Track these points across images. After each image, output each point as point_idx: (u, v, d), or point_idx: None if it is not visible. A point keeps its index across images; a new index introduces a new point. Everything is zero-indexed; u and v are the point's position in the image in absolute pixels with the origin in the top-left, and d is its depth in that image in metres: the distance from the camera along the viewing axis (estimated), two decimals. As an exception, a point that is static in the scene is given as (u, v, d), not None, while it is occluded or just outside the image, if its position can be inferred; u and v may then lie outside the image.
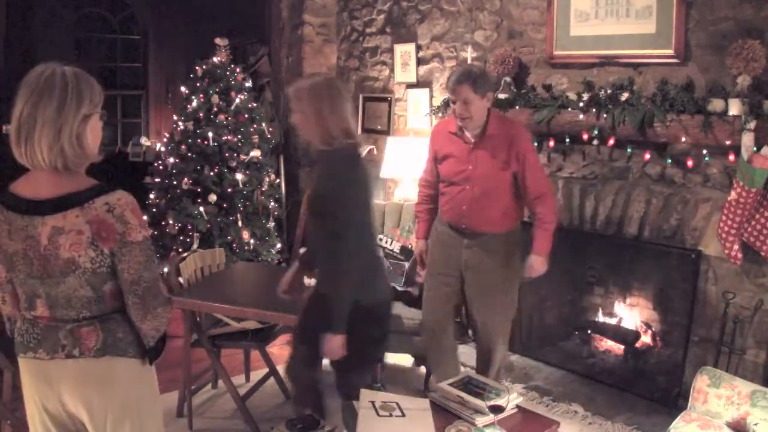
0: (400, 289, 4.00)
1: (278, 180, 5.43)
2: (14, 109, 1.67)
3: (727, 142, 3.15)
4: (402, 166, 4.60)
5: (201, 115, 4.82)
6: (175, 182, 4.74)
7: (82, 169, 1.76)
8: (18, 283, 1.78)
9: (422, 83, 4.96)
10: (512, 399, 2.59)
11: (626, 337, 4.10)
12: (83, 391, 1.77)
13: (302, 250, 4.89)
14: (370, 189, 2.61)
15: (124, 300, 1.78)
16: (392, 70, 5.22)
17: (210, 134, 4.76)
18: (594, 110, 3.59)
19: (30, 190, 1.72)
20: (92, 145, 1.75)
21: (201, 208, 4.66)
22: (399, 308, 3.83)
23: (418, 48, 4.96)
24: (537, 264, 3.17)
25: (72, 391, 1.77)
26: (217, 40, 5.01)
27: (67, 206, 1.68)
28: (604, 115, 3.54)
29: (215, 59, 4.97)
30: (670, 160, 3.48)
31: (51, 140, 1.65)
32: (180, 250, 4.51)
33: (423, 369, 3.91)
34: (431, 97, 4.87)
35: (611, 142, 3.63)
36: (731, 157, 3.20)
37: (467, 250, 3.19)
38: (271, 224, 5.10)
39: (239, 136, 4.86)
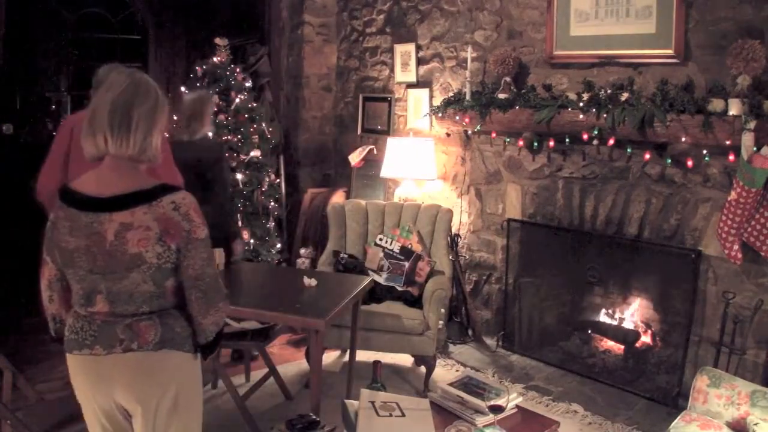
0: (400, 288, 4.00)
1: (278, 180, 5.42)
2: (100, 96, 1.77)
3: (727, 142, 3.15)
4: (402, 166, 4.60)
5: (201, 115, 4.81)
6: (175, 182, 4.73)
7: (145, 168, 1.86)
8: (76, 279, 1.80)
9: (422, 83, 4.96)
10: (512, 399, 2.59)
11: (626, 337, 4.10)
12: (138, 383, 1.81)
13: (302, 250, 4.89)
14: None
15: (186, 295, 1.83)
16: (392, 70, 5.22)
17: (210, 134, 4.75)
18: (594, 110, 3.59)
19: (95, 187, 1.77)
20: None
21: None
22: (399, 308, 3.83)
23: (418, 48, 4.96)
24: None
25: (127, 384, 1.80)
26: (217, 40, 5.00)
27: (136, 203, 1.74)
28: (604, 115, 3.54)
29: (215, 59, 4.96)
30: (670, 160, 3.48)
31: (146, 133, 1.78)
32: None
33: (423, 369, 3.91)
34: (431, 97, 4.87)
35: (611, 142, 3.63)
36: (731, 157, 3.21)
37: None
38: (271, 224, 5.10)
39: (239, 136, 4.86)
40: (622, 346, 4.13)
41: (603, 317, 4.27)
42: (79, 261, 1.76)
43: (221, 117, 4.82)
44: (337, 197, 5.25)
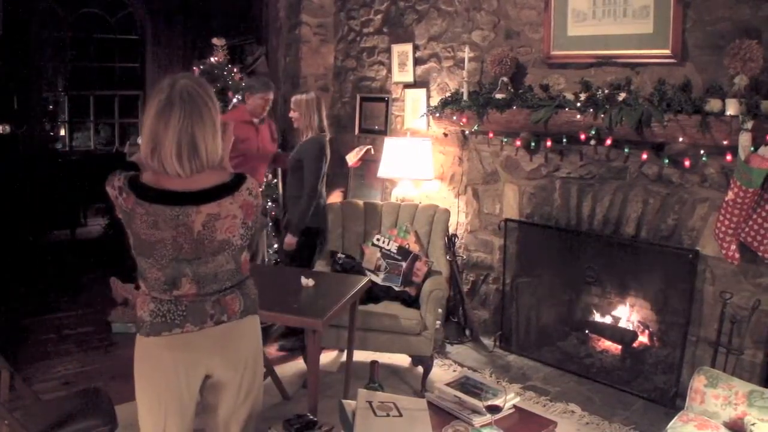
0: (397, 288, 4.00)
1: (275, 180, 5.42)
2: (155, 124, 1.82)
3: (725, 142, 3.15)
4: (399, 166, 4.60)
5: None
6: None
7: None
8: (157, 267, 1.90)
9: (419, 83, 4.96)
10: (509, 399, 2.59)
11: (624, 336, 4.11)
12: (233, 350, 2.02)
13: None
14: None
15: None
16: (389, 71, 5.21)
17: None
18: (591, 110, 3.59)
19: (179, 184, 1.87)
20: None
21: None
22: (396, 308, 3.83)
23: (416, 48, 4.96)
24: None
25: (221, 352, 1.99)
26: (215, 40, 5.01)
27: (221, 195, 1.91)
28: (602, 115, 3.54)
29: (213, 59, 4.96)
30: (667, 160, 3.48)
31: (214, 151, 1.91)
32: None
33: (420, 369, 3.91)
34: (428, 97, 4.87)
35: (608, 142, 3.63)
36: (728, 157, 3.21)
37: None
38: (269, 224, 5.10)
39: (237, 136, 4.85)
40: (620, 346, 4.13)
41: (600, 317, 4.28)
42: (161, 251, 1.88)
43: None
44: (335, 197, 5.25)
